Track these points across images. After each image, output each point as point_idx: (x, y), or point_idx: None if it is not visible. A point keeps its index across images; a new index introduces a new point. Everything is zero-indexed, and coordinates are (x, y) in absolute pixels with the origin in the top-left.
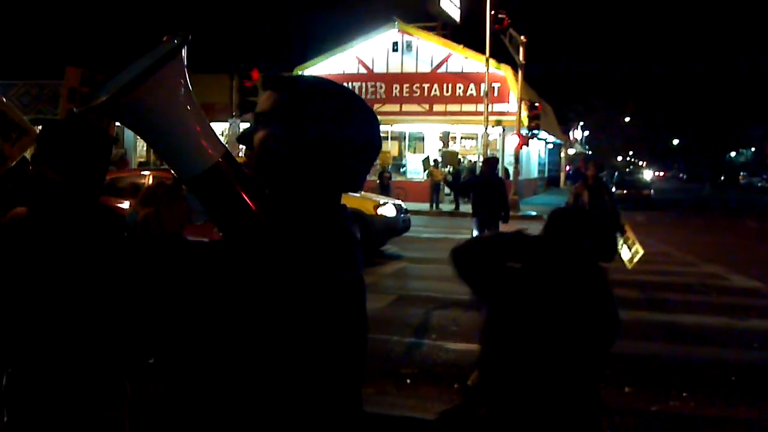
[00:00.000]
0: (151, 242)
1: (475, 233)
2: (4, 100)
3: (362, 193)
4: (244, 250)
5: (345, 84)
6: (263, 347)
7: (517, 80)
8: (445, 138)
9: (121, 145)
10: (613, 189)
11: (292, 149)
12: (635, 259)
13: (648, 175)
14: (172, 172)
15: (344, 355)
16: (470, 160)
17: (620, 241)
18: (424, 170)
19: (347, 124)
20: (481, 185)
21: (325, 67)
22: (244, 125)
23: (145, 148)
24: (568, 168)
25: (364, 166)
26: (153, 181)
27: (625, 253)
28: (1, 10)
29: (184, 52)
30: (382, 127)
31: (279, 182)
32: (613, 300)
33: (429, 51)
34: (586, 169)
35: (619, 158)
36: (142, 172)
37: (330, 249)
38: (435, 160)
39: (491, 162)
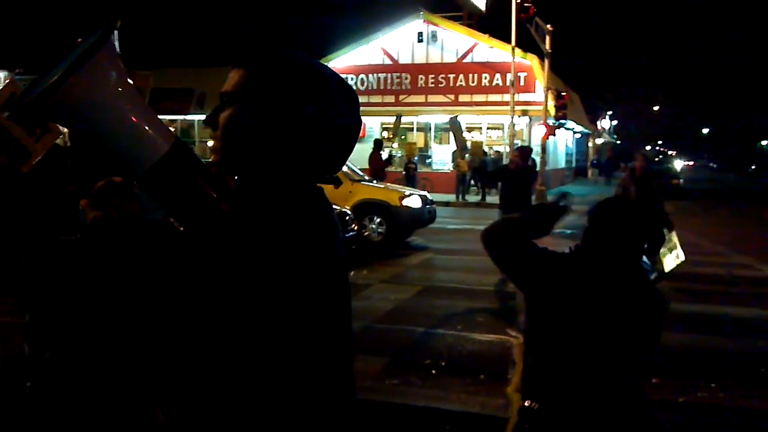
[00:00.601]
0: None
1: None
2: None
3: (387, 184)
4: (208, 241)
5: (370, 75)
6: (239, 338)
7: (543, 69)
8: (453, 125)
9: None
10: None
11: (257, 129)
12: (674, 266)
13: (678, 164)
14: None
15: (325, 343)
16: (496, 151)
17: (666, 244)
18: (453, 162)
19: (319, 101)
20: (512, 175)
21: (349, 58)
22: None
23: None
24: (595, 158)
25: (340, 147)
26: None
27: (669, 261)
28: (30, 5)
29: (113, 41)
30: (409, 119)
31: (245, 166)
32: (658, 292)
33: (454, 41)
34: (615, 158)
35: (648, 147)
36: None
37: (301, 235)
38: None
39: (525, 151)
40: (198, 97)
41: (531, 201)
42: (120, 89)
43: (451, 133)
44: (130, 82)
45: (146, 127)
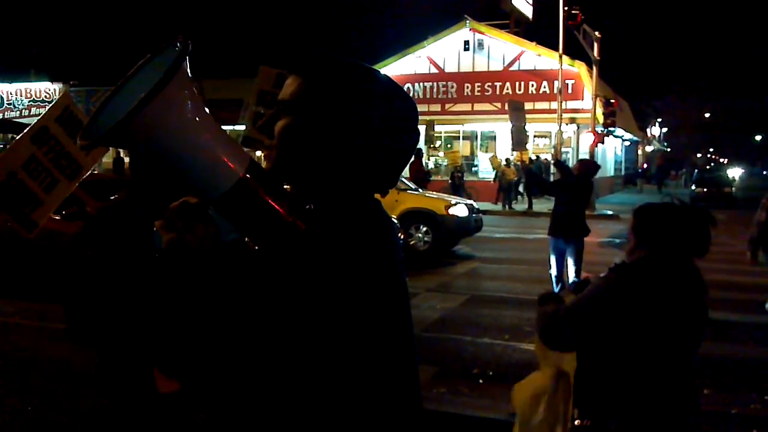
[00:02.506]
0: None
1: (553, 262)
2: (80, 107)
3: (433, 192)
4: (284, 262)
5: (416, 84)
6: (306, 355)
7: (591, 77)
8: (515, 109)
9: None
10: (693, 187)
11: (314, 138)
12: None
13: (736, 172)
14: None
15: (391, 358)
16: (546, 159)
17: None
18: (493, 169)
19: (377, 109)
20: (572, 191)
21: (396, 68)
22: None
23: None
24: (640, 167)
25: (397, 156)
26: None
27: None
28: (82, 18)
29: (185, 66)
30: (454, 127)
31: (301, 175)
32: (705, 295)
33: (501, 49)
34: (665, 166)
35: (699, 155)
36: None
37: (361, 248)
38: (507, 159)
39: (590, 166)
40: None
41: (584, 222)
42: (194, 116)
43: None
44: (206, 108)
45: (221, 153)
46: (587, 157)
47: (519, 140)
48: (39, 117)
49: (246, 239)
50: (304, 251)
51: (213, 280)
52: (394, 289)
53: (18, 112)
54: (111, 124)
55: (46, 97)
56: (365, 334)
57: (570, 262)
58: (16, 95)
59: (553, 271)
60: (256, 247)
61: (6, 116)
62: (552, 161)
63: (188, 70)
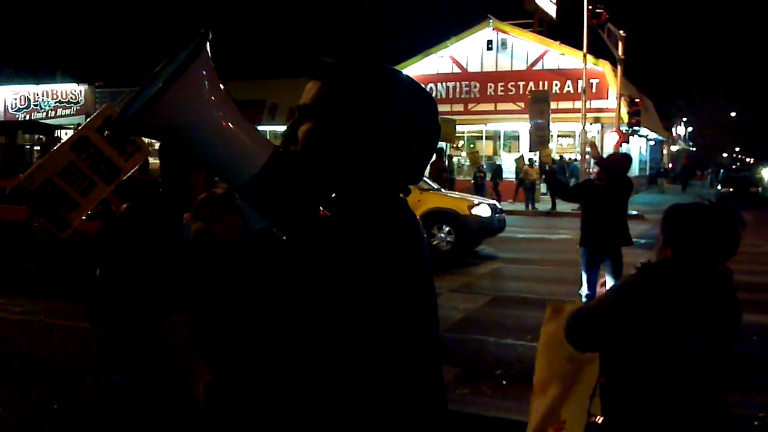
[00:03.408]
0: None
1: (585, 279)
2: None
3: (456, 192)
4: (310, 250)
5: (439, 84)
6: (331, 347)
7: (616, 76)
8: (538, 100)
9: None
10: (719, 187)
11: (337, 142)
12: None
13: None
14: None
15: (414, 353)
16: (570, 159)
17: None
18: (516, 169)
19: (398, 111)
20: (602, 194)
21: (419, 68)
22: None
23: None
24: (662, 166)
25: (419, 155)
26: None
27: None
28: (107, 19)
29: (207, 54)
30: (477, 127)
31: (327, 178)
32: (736, 296)
33: (524, 48)
34: (691, 166)
35: (725, 155)
36: None
37: (385, 246)
38: (530, 159)
39: (622, 160)
40: (270, 108)
41: (626, 230)
42: (215, 102)
43: (530, 132)
44: (227, 94)
45: (245, 140)
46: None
47: (539, 139)
48: (81, 124)
49: (273, 228)
50: (330, 244)
51: (240, 270)
52: (419, 284)
53: (44, 113)
54: (131, 113)
55: (71, 98)
56: (389, 328)
57: (608, 280)
58: (43, 96)
59: (584, 290)
60: (283, 237)
61: (32, 117)
62: (594, 160)
63: (209, 59)
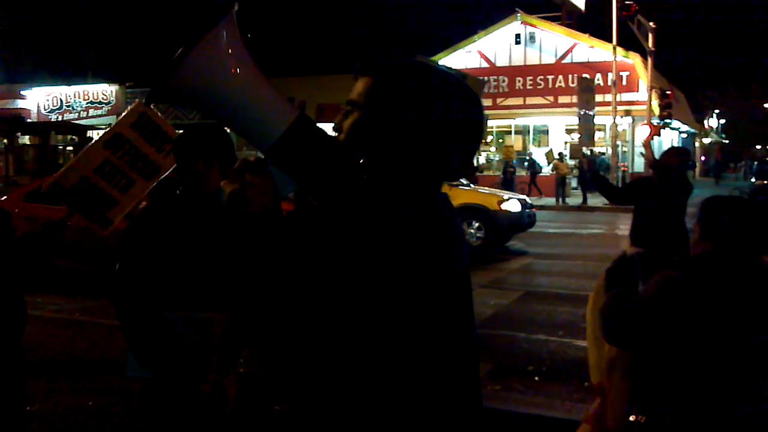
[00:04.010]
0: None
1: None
2: (159, 114)
3: (485, 188)
4: (340, 218)
5: None
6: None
7: (646, 68)
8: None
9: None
10: (752, 179)
11: (378, 135)
12: None
13: None
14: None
15: (442, 348)
16: (599, 152)
17: None
18: (548, 164)
19: (440, 108)
20: (657, 194)
21: (446, 63)
22: None
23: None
24: (702, 158)
25: (461, 151)
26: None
27: None
28: (138, 18)
29: (231, 19)
30: (505, 122)
31: (368, 170)
32: None
33: (553, 42)
34: (723, 158)
35: (758, 147)
36: None
37: (411, 236)
38: (560, 153)
39: (679, 154)
40: (299, 105)
41: (684, 232)
42: (239, 67)
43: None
44: (252, 61)
45: (269, 103)
46: (643, 150)
47: (588, 132)
48: (112, 124)
49: (303, 192)
50: (358, 228)
51: (275, 235)
52: (442, 279)
53: (76, 114)
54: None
55: (103, 98)
56: (401, 314)
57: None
58: (75, 97)
59: None
60: (314, 201)
61: (65, 118)
62: (647, 160)
63: (232, 26)
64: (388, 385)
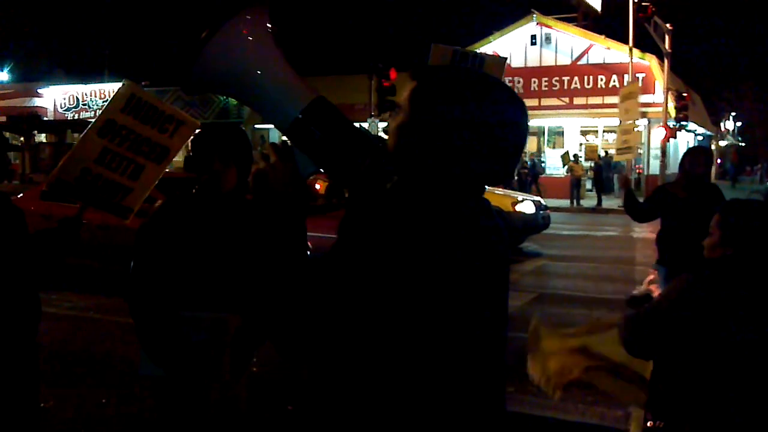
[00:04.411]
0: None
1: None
2: (150, 93)
3: (499, 189)
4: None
5: None
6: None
7: (662, 70)
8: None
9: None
10: None
11: (419, 137)
12: None
13: None
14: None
15: (470, 343)
16: (613, 154)
17: None
18: (563, 165)
19: (478, 108)
20: (683, 203)
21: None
22: (383, 125)
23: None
24: (718, 161)
25: (502, 156)
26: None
27: None
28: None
29: (252, 10)
30: None
31: (410, 169)
32: None
33: (568, 43)
34: (740, 161)
35: None
36: None
37: (446, 239)
38: (575, 155)
39: (701, 156)
40: None
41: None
42: (259, 51)
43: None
44: (275, 46)
45: (288, 86)
46: (659, 152)
47: (628, 145)
48: (101, 112)
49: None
50: (387, 223)
51: (299, 213)
52: (472, 282)
53: (92, 113)
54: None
55: None
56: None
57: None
58: (91, 96)
59: None
60: (331, 181)
61: (81, 116)
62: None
63: (255, 16)
64: (407, 384)
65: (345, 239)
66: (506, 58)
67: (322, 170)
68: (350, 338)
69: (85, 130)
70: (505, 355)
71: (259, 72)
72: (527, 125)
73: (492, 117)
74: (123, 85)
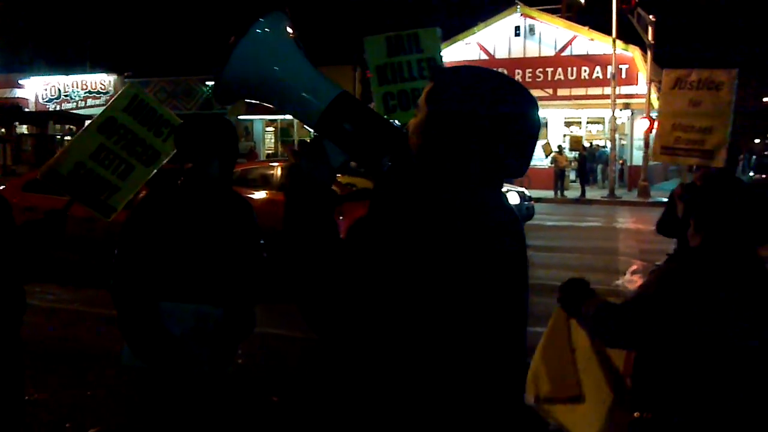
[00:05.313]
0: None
1: None
2: (152, 96)
3: None
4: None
5: None
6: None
7: (645, 61)
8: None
9: (251, 138)
10: (751, 174)
11: (434, 134)
12: None
13: None
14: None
15: (499, 328)
16: (598, 145)
17: None
18: (546, 156)
19: (489, 104)
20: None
21: (445, 55)
22: None
23: (273, 141)
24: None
25: (516, 152)
26: (281, 172)
27: None
28: (137, 11)
29: (282, 17)
30: None
31: (429, 164)
32: None
33: (552, 34)
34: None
35: (757, 141)
36: (271, 164)
37: (462, 229)
38: (559, 146)
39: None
40: None
41: None
42: (283, 54)
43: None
44: (297, 46)
45: (314, 82)
46: (642, 143)
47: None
48: (104, 108)
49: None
50: (407, 215)
51: (330, 205)
52: (484, 270)
53: (74, 104)
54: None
55: (101, 88)
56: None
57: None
58: (73, 87)
59: None
60: (360, 169)
61: (63, 108)
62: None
63: (276, 21)
64: (426, 370)
65: (370, 232)
66: (437, 28)
67: (351, 162)
68: (373, 326)
69: (87, 125)
70: (525, 349)
71: (286, 72)
72: (539, 118)
73: (505, 112)
74: (127, 84)
